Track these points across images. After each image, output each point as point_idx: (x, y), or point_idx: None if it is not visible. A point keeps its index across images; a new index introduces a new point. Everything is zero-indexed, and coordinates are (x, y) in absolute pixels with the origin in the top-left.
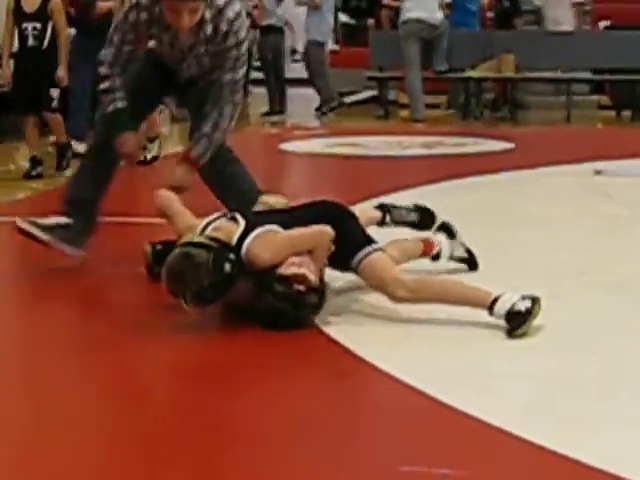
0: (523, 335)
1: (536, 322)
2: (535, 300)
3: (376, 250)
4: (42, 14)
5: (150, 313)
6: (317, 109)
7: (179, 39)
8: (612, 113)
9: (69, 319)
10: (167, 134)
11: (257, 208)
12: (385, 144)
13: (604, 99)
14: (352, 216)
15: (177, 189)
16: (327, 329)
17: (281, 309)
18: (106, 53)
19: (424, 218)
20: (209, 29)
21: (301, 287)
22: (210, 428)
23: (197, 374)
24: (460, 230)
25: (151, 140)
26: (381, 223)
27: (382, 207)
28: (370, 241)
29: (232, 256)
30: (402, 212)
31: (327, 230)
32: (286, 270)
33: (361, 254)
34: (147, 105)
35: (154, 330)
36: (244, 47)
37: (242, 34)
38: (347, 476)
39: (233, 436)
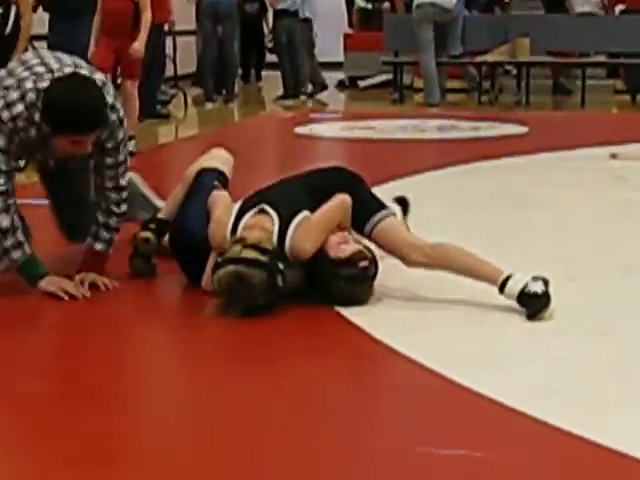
0: (540, 318)
1: (553, 304)
2: (547, 282)
3: (389, 215)
4: None
5: (168, 295)
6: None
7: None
8: (627, 98)
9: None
10: (182, 118)
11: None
12: (400, 128)
13: (619, 84)
14: (363, 181)
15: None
16: (344, 311)
17: (357, 290)
18: None
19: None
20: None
21: (365, 263)
22: (227, 409)
23: (216, 355)
24: (475, 213)
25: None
26: None
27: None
28: (382, 206)
29: (281, 266)
30: None
31: (347, 199)
32: (341, 252)
33: (375, 219)
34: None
35: (173, 311)
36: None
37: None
38: (364, 457)
39: (250, 418)
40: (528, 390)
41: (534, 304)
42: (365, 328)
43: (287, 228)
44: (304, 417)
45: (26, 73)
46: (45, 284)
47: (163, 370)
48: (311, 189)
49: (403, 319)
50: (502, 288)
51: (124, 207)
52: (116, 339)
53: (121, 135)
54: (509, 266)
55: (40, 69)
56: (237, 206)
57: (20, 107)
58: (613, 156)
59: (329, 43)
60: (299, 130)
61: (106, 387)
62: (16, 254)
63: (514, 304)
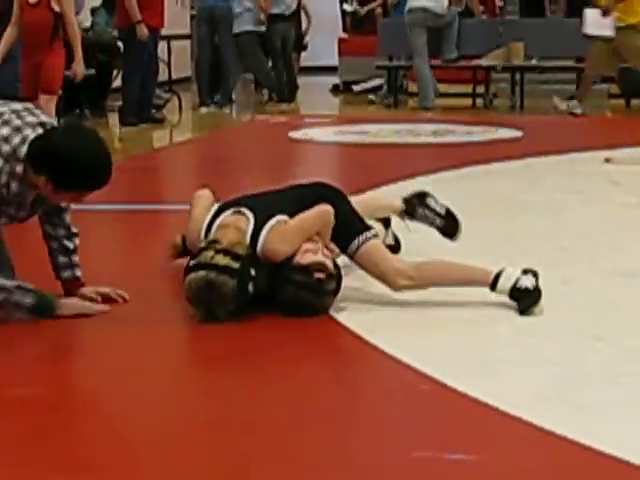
0: (531, 313)
1: (546, 308)
2: (537, 275)
3: (372, 237)
4: None
5: (162, 298)
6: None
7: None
8: (622, 102)
9: None
10: (176, 122)
11: None
12: (395, 132)
13: (614, 88)
14: (345, 198)
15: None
16: (337, 315)
17: (303, 298)
18: None
19: (450, 226)
20: None
21: (321, 275)
22: (222, 414)
23: (209, 360)
24: (469, 218)
25: None
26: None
27: (409, 202)
28: (365, 226)
29: (253, 272)
30: (428, 214)
31: (329, 209)
32: (303, 259)
33: (357, 242)
34: None
35: (166, 315)
36: None
37: None
38: (359, 462)
39: (245, 422)
40: (521, 394)
41: (525, 299)
42: (358, 332)
43: (261, 229)
44: (297, 422)
45: None
46: (68, 310)
47: (155, 376)
48: (294, 200)
49: (396, 323)
50: (494, 285)
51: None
52: (107, 344)
53: None
54: None
55: (4, 131)
56: (215, 207)
57: (7, 167)
58: (607, 160)
59: (324, 47)
60: (293, 134)
61: (99, 391)
62: (28, 299)
63: (507, 303)
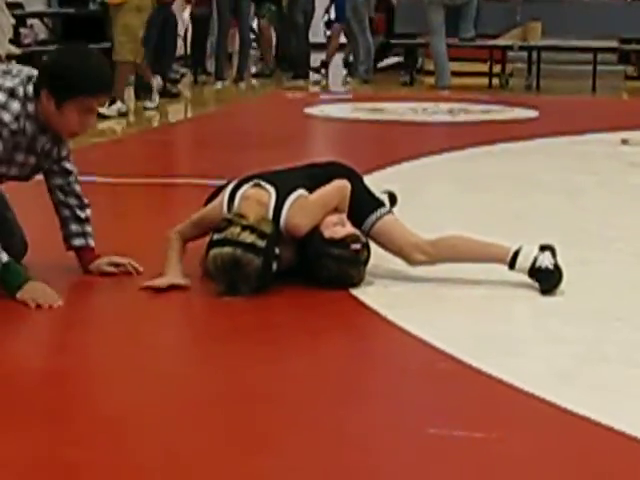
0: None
1: (565, 288)
2: (554, 251)
3: (387, 212)
4: None
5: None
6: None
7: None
8: (638, 84)
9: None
10: (189, 97)
11: None
12: (410, 110)
13: (630, 69)
14: (359, 176)
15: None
16: (355, 292)
17: (344, 271)
18: None
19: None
20: None
21: (357, 246)
22: (239, 388)
23: (227, 334)
24: (485, 196)
25: None
26: None
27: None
28: (380, 203)
29: (277, 250)
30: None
31: (346, 184)
32: (335, 232)
33: (374, 217)
34: None
35: (183, 289)
36: None
37: None
38: (375, 438)
39: (261, 396)
40: (542, 373)
41: (547, 280)
42: (377, 309)
43: (283, 204)
44: (314, 397)
45: None
46: (19, 295)
47: (172, 349)
48: (309, 176)
49: (414, 300)
50: (512, 264)
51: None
52: (125, 320)
53: None
54: None
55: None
56: (232, 184)
57: (16, 104)
58: (624, 142)
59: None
60: (309, 110)
61: (115, 364)
62: None
63: (526, 282)
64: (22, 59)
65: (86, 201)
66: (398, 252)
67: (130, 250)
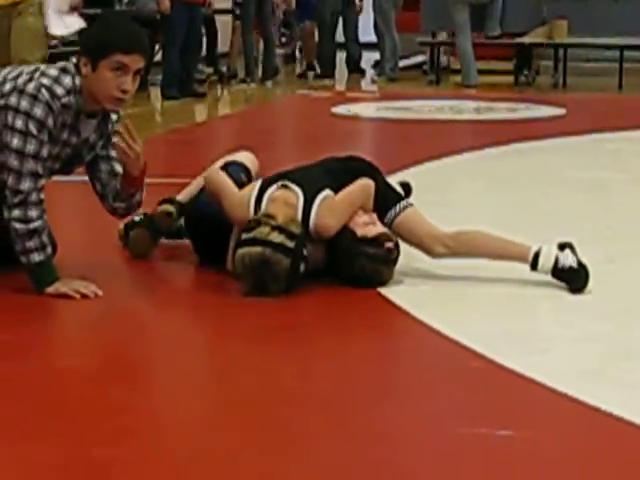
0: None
1: (592, 285)
2: (573, 248)
3: (409, 205)
4: None
5: (207, 270)
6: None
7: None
8: None
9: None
10: (218, 96)
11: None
12: (436, 109)
13: None
14: (378, 170)
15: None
16: (384, 291)
17: (377, 270)
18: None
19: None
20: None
21: (390, 244)
22: (270, 387)
23: (257, 334)
24: (512, 194)
25: None
26: None
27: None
28: (400, 196)
29: (305, 252)
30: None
31: (370, 183)
32: (368, 231)
33: (396, 210)
34: None
35: (213, 289)
36: None
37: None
38: (405, 437)
39: (293, 395)
40: (570, 371)
41: (574, 279)
42: (406, 308)
43: (311, 205)
44: (345, 396)
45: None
46: (54, 289)
47: (202, 348)
48: (331, 173)
49: (444, 298)
50: (534, 266)
51: None
52: (154, 319)
53: None
54: None
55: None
56: (259, 182)
57: (67, 79)
58: None
59: (366, 24)
60: (335, 110)
61: (145, 363)
62: (37, 257)
63: (551, 280)
64: (48, 60)
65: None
66: (419, 244)
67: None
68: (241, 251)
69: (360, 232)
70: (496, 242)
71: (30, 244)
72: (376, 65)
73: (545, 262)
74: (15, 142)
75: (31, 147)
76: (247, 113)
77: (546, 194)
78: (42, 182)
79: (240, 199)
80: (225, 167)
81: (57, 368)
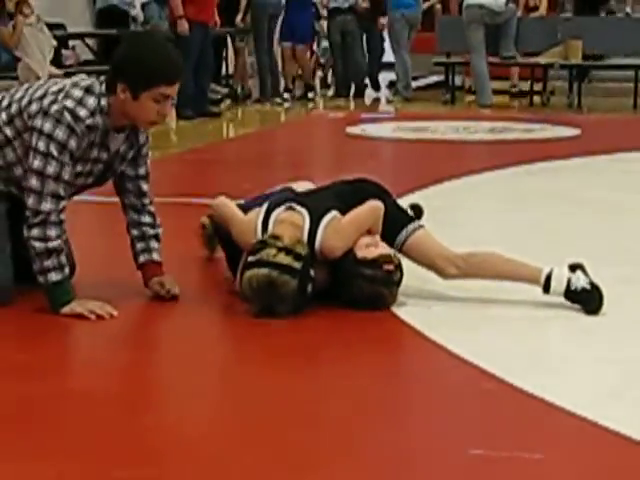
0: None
1: (607, 307)
2: (584, 269)
3: (419, 228)
4: None
5: (219, 292)
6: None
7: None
8: None
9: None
10: (233, 116)
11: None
12: (452, 129)
13: None
14: (387, 192)
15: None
16: (398, 312)
17: (376, 291)
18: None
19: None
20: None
21: (390, 267)
22: (283, 410)
23: (270, 356)
24: (527, 215)
25: None
26: None
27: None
28: (410, 218)
29: (312, 272)
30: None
31: (380, 205)
32: (368, 253)
33: (405, 232)
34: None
35: (225, 310)
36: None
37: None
38: (416, 458)
39: (306, 418)
40: (585, 393)
41: (588, 300)
42: (419, 328)
43: (317, 226)
44: (356, 418)
45: (60, 85)
46: (70, 310)
47: (215, 370)
48: (339, 196)
49: (458, 320)
50: (547, 289)
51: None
52: (165, 341)
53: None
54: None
55: (67, 81)
56: (265, 205)
57: (92, 100)
58: None
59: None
60: (350, 130)
61: (162, 385)
62: (54, 276)
63: (565, 302)
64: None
65: (158, 221)
66: (431, 265)
67: (167, 269)
68: (248, 273)
69: (360, 254)
70: (507, 264)
71: (48, 263)
72: (391, 85)
73: (557, 285)
74: (36, 163)
75: (51, 169)
76: (261, 133)
77: (560, 214)
78: (63, 203)
79: (247, 224)
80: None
81: (75, 389)
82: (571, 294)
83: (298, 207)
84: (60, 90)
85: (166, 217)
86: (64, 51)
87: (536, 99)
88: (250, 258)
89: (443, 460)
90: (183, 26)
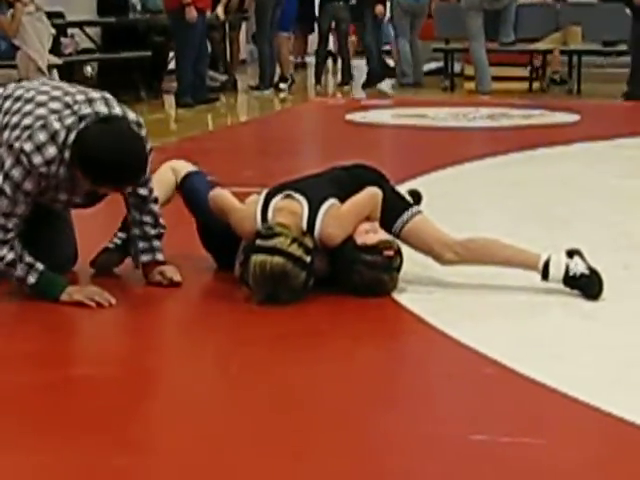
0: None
1: (607, 292)
2: (581, 254)
3: (417, 213)
4: None
5: (217, 281)
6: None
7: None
8: None
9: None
10: (232, 104)
11: None
12: (451, 116)
13: None
14: (385, 178)
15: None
16: (398, 298)
17: (377, 277)
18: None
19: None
20: None
21: (390, 252)
22: (282, 394)
23: (270, 341)
24: (527, 201)
25: None
26: None
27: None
28: (409, 204)
29: (314, 265)
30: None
31: (378, 192)
32: (368, 239)
33: (404, 218)
34: None
35: (225, 297)
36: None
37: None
38: (418, 444)
39: (304, 402)
40: (587, 378)
41: (588, 285)
42: (420, 315)
43: (316, 214)
44: (357, 403)
45: (42, 111)
46: (68, 296)
47: (215, 356)
48: (337, 182)
49: (459, 306)
50: (545, 275)
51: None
52: (167, 328)
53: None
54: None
55: (55, 105)
56: (262, 195)
57: (52, 150)
58: None
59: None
60: (350, 117)
61: (162, 371)
62: (32, 278)
63: (565, 288)
64: (63, 69)
65: (162, 222)
66: (429, 251)
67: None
68: (259, 258)
69: (360, 240)
70: (505, 250)
71: (18, 273)
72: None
73: (556, 272)
74: None
75: (3, 205)
76: (261, 121)
77: (560, 200)
78: (10, 235)
79: (246, 212)
80: (186, 178)
81: (76, 377)
82: (570, 280)
83: (296, 195)
84: (29, 126)
85: (165, 204)
86: (63, 39)
87: (535, 85)
88: (260, 242)
89: (444, 446)
90: (192, 13)
